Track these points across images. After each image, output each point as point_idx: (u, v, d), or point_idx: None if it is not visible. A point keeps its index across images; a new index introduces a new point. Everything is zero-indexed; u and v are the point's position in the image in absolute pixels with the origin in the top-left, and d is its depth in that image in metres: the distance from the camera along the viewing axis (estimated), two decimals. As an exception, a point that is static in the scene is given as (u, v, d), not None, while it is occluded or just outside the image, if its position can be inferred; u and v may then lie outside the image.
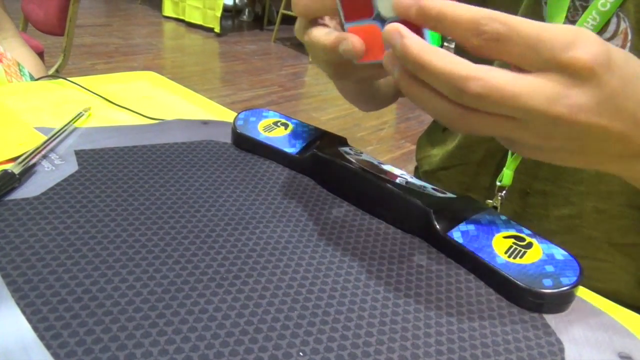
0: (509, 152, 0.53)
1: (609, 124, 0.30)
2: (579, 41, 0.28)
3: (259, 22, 4.77)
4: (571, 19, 0.49)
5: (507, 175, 0.53)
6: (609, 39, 0.47)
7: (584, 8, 0.48)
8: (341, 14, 0.36)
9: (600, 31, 0.47)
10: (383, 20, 0.34)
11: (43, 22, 1.62)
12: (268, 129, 0.53)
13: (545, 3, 0.50)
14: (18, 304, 0.30)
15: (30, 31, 1.75)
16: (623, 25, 0.46)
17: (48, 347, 0.28)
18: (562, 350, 0.33)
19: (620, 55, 0.30)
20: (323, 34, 0.37)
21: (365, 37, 0.35)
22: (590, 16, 0.47)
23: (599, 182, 0.51)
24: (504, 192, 0.53)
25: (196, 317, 0.31)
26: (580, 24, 0.47)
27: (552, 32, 0.29)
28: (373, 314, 0.34)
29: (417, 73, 0.30)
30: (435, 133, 0.68)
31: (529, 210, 0.55)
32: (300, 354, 0.30)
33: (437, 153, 0.65)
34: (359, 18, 0.35)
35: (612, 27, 0.47)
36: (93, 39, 3.62)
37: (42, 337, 0.28)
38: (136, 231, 0.38)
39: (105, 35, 3.77)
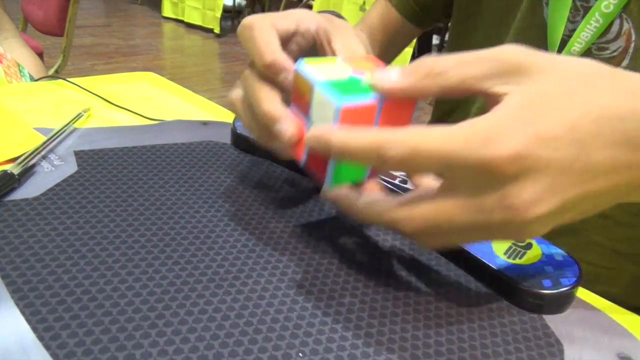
0: None
1: (591, 186, 0.28)
2: (493, 140, 0.27)
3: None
4: (572, 20, 0.49)
5: None
6: (611, 40, 0.47)
7: (585, 9, 0.48)
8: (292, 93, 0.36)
9: (603, 33, 0.47)
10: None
11: (43, 22, 1.62)
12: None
13: (547, 4, 0.50)
14: (17, 305, 0.30)
15: (30, 32, 1.75)
16: (626, 26, 0.46)
17: (47, 347, 0.28)
18: (561, 351, 0.33)
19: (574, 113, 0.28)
20: (269, 98, 0.36)
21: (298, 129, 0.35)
22: (593, 18, 0.47)
23: None
24: None
25: (195, 318, 0.31)
26: (583, 26, 0.47)
27: (459, 139, 0.27)
28: (372, 315, 0.34)
29: (343, 158, 0.31)
30: None
31: None
32: (300, 354, 0.30)
33: None
34: (299, 112, 0.35)
35: (615, 29, 0.47)
36: (93, 40, 3.62)
37: (41, 338, 0.28)
38: (135, 232, 0.38)
39: (105, 36, 3.77)
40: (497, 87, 0.29)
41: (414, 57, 3.33)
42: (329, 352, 0.30)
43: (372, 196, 0.33)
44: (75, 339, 0.29)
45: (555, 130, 0.27)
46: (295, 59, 0.38)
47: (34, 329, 0.29)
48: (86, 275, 0.33)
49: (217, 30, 4.10)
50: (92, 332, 0.29)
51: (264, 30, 0.37)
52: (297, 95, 0.35)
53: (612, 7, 0.46)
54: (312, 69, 0.34)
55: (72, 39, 1.61)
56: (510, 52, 0.29)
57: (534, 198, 0.27)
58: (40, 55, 1.42)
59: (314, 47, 0.41)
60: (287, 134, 0.34)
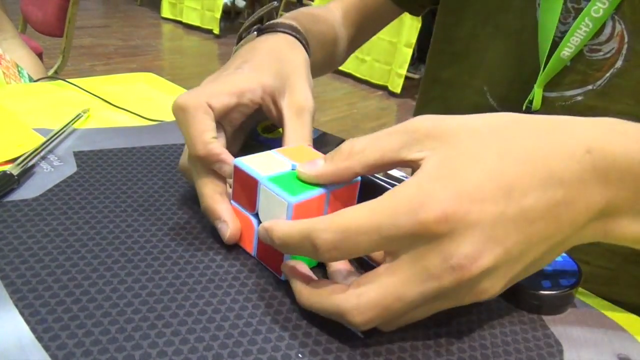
0: None
1: (531, 231, 0.28)
2: (419, 203, 0.27)
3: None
4: (563, 21, 0.49)
5: None
6: (604, 42, 0.47)
7: (577, 10, 0.48)
8: (231, 190, 0.37)
9: (596, 35, 0.47)
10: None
11: (42, 23, 1.62)
12: (267, 130, 0.53)
13: (539, 5, 0.50)
14: (16, 305, 0.30)
15: (30, 32, 1.75)
16: (619, 27, 0.46)
17: (46, 348, 0.28)
18: (561, 351, 0.33)
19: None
20: (210, 193, 0.37)
21: (243, 223, 0.37)
22: (583, 23, 0.47)
23: None
24: None
25: (195, 319, 0.31)
26: (573, 30, 0.47)
27: (386, 210, 0.27)
28: (372, 316, 0.34)
29: (286, 252, 0.32)
30: None
31: None
32: (299, 355, 0.30)
33: None
34: (243, 206, 0.37)
35: (607, 30, 0.47)
36: (92, 40, 3.62)
37: (40, 339, 0.28)
38: (135, 232, 0.38)
39: (105, 37, 3.77)
40: (413, 155, 0.29)
41: (413, 56, 3.34)
42: (329, 353, 0.30)
43: (317, 284, 0.31)
44: (74, 340, 0.29)
45: (477, 181, 0.27)
46: (238, 126, 0.40)
47: (33, 330, 0.29)
48: (85, 276, 0.33)
49: (216, 31, 4.10)
50: (91, 333, 0.29)
51: (198, 115, 0.37)
52: (239, 190, 0.36)
53: (601, 11, 0.46)
54: (252, 164, 0.35)
55: (72, 39, 1.61)
56: (418, 122, 0.30)
57: (474, 252, 0.27)
58: (39, 55, 1.42)
59: (259, 110, 0.42)
60: (226, 235, 0.36)
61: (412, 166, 0.30)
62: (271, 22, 0.50)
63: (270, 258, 0.36)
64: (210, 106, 0.37)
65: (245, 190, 0.36)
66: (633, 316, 0.38)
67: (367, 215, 0.28)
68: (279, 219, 0.32)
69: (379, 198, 0.28)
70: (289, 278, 0.33)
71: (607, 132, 0.29)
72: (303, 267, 0.33)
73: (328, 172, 0.33)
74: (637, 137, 0.29)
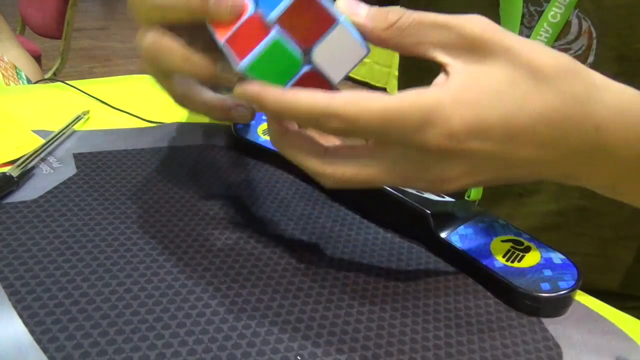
0: None
1: (504, 174, 0.31)
2: (430, 121, 0.27)
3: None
4: (527, 25, 0.49)
5: (474, 191, 0.53)
6: (573, 41, 0.47)
7: (539, 13, 0.48)
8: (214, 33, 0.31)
9: (562, 34, 0.47)
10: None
11: (41, 25, 1.62)
12: (267, 132, 0.53)
13: (502, 10, 0.50)
14: (15, 307, 0.30)
15: (28, 34, 1.75)
16: (585, 24, 0.46)
17: (45, 350, 0.28)
18: (560, 354, 0.33)
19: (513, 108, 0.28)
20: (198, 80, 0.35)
21: (246, 33, 0.30)
22: (542, 29, 0.47)
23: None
24: (476, 204, 0.53)
25: (194, 321, 0.31)
26: (534, 37, 0.47)
27: (399, 114, 0.28)
28: (371, 318, 0.34)
29: (280, 118, 0.31)
30: None
31: (519, 209, 0.55)
32: (298, 357, 0.30)
33: None
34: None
35: (574, 29, 0.47)
36: (91, 42, 3.62)
37: (38, 341, 0.28)
38: (134, 235, 0.38)
39: (104, 39, 3.77)
40: (447, 59, 0.29)
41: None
42: (327, 355, 0.30)
43: (295, 136, 0.31)
44: (73, 342, 0.29)
45: (492, 121, 0.28)
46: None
47: (32, 332, 0.29)
48: (84, 278, 0.33)
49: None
50: (89, 335, 0.29)
51: None
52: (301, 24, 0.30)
53: (559, 16, 0.46)
54: None
55: (70, 41, 1.61)
56: (475, 24, 0.29)
57: (452, 178, 0.30)
58: (38, 58, 1.42)
59: None
60: (249, 116, 0.35)
61: (441, 66, 0.30)
62: None
63: (243, 45, 0.30)
64: None
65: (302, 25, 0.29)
66: (632, 318, 0.38)
67: (380, 114, 0.28)
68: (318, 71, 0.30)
69: (397, 97, 0.28)
70: (266, 113, 0.31)
71: (620, 115, 0.31)
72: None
73: (364, 25, 0.30)
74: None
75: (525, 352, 0.33)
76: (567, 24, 0.47)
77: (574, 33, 0.47)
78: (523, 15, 0.48)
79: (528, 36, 0.49)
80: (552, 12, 0.46)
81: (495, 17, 0.51)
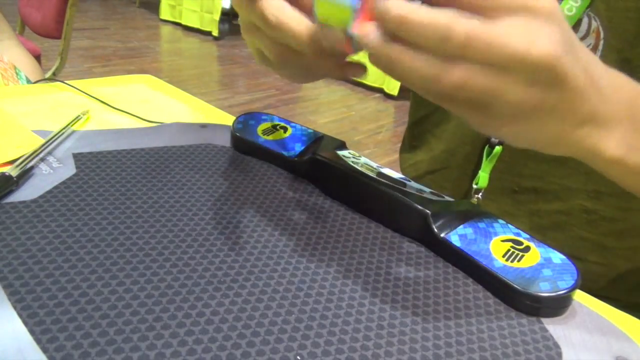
0: (484, 155, 0.54)
1: (574, 73, 0.30)
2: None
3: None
4: None
5: (482, 177, 0.54)
6: (581, 39, 0.48)
7: None
8: None
9: None
10: None
11: (40, 25, 1.62)
12: (267, 132, 0.53)
13: None
14: (14, 307, 0.30)
15: (28, 34, 1.74)
16: (594, 24, 0.47)
17: (44, 350, 0.28)
18: (559, 354, 0.33)
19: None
20: (294, 20, 0.33)
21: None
22: None
23: (586, 180, 0.51)
24: (481, 194, 0.53)
25: (193, 321, 0.31)
26: None
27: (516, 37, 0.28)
28: (370, 318, 0.34)
29: (398, 31, 0.29)
30: (419, 138, 0.68)
31: (520, 207, 0.56)
32: (298, 357, 0.30)
33: (424, 158, 0.65)
34: None
35: (584, 27, 0.48)
36: (90, 42, 3.62)
37: (38, 341, 0.28)
38: (134, 234, 0.38)
39: (103, 39, 3.77)
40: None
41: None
42: (327, 355, 0.30)
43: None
44: (72, 342, 0.28)
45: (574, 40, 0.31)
46: None
47: (31, 332, 0.29)
48: (84, 278, 0.33)
49: (215, 33, 4.10)
50: (89, 335, 0.29)
51: None
52: None
53: (574, 9, 0.47)
54: None
55: (70, 41, 1.61)
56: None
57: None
58: (37, 57, 1.41)
59: None
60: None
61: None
62: None
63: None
64: None
65: None
66: (632, 318, 0.38)
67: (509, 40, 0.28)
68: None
69: (515, 23, 0.28)
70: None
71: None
72: None
73: None
74: None
75: (525, 352, 0.33)
76: (578, 22, 0.47)
77: (582, 31, 0.48)
78: None
79: None
80: (568, 5, 0.47)
81: None
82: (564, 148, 0.34)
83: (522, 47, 0.28)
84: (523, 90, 0.30)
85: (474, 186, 0.54)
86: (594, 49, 0.48)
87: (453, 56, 0.29)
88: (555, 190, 0.53)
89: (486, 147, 0.54)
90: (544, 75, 0.29)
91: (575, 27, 0.48)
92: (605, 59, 0.47)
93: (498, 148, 0.53)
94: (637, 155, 0.35)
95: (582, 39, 0.48)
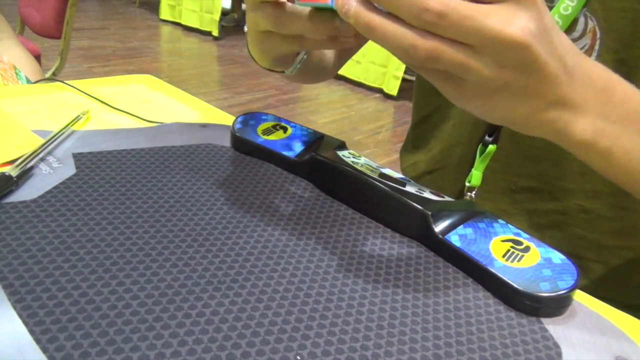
0: (477, 154, 0.55)
1: (545, 59, 0.31)
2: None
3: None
4: None
5: (475, 176, 0.54)
6: (577, 38, 0.48)
7: (550, 8, 0.48)
8: None
9: (568, 31, 0.48)
10: None
11: (40, 25, 1.62)
12: (267, 132, 0.53)
13: None
14: (14, 307, 0.30)
15: (27, 34, 1.74)
16: (591, 24, 0.47)
17: (44, 350, 0.28)
18: (559, 354, 0.33)
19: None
20: None
21: None
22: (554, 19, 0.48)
23: (583, 180, 0.51)
24: (474, 192, 0.54)
25: (193, 321, 0.31)
26: None
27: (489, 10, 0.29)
28: (370, 318, 0.34)
29: (377, 1, 0.30)
30: (420, 138, 0.68)
31: (518, 206, 0.56)
32: (298, 357, 0.30)
33: (423, 159, 0.65)
34: None
35: (580, 27, 0.48)
36: (90, 42, 3.62)
37: (38, 341, 0.28)
38: (134, 234, 0.38)
39: (103, 39, 3.76)
40: None
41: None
42: (327, 355, 0.30)
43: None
44: (72, 342, 0.28)
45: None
46: None
47: (31, 332, 0.29)
48: (84, 278, 0.33)
49: (215, 33, 4.10)
50: (89, 335, 0.29)
51: None
52: None
53: (570, 9, 0.47)
54: None
55: (70, 41, 1.61)
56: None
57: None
58: (37, 57, 1.41)
59: None
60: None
61: None
62: None
63: None
64: None
65: None
66: (631, 318, 0.38)
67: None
68: None
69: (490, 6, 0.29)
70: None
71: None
72: None
73: None
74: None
75: (524, 352, 0.33)
76: (574, 22, 0.47)
77: (579, 31, 0.48)
78: None
79: None
80: (564, 4, 0.47)
81: None
82: (535, 129, 0.35)
83: (496, 26, 0.29)
84: (493, 69, 0.31)
85: (467, 184, 0.55)
86: (590, 48, 0.48)
87: (429, 27, 0.30)
88: (553, 190, 0.53)
89: (479, 146, 0.54)
90: (513, 57, 0.30)
91: (572, 26, 0.48)
92: (601, 58, 0.47)
93: (491, 147, 0.53)
94: (605, 140, 0.36)
95: (579, 38, 0.48)
